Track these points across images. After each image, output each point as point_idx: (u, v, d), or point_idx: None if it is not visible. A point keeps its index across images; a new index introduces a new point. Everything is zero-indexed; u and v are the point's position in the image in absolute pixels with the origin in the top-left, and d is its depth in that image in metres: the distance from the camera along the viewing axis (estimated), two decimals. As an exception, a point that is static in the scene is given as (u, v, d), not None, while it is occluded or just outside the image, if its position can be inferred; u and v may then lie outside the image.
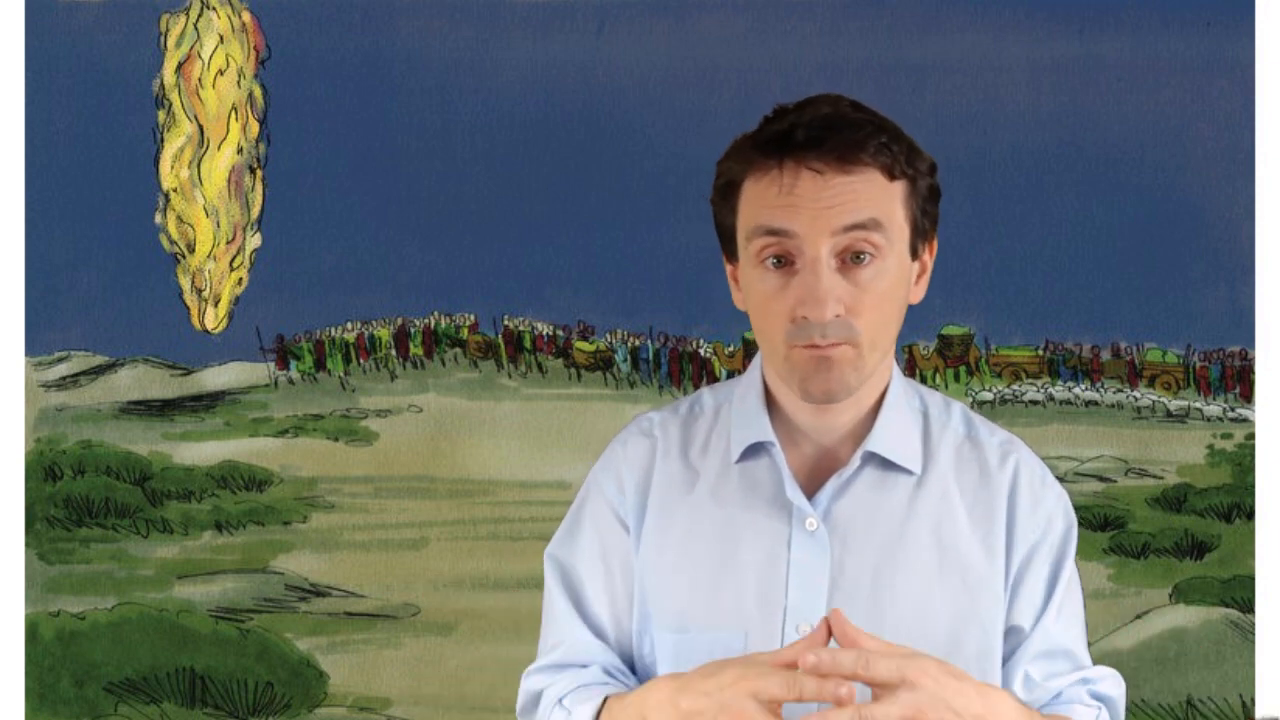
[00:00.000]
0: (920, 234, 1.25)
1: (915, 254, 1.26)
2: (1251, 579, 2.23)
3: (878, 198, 1.20)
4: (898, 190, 1.22)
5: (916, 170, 1.23)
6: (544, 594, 1.37)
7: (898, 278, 1.23)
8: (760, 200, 1.21)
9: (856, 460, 1.26)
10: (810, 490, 1.27)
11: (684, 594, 1.27)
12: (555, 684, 1.30)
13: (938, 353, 2.30)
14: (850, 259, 1.20)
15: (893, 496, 1.27)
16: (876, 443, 1.27)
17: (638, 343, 2.32)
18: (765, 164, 1.21)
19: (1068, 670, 1.28)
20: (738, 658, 1.14)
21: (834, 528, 1.25)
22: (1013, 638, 1.27)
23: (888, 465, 1.28)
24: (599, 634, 1.32)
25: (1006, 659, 1.27)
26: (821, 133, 1.19)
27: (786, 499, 1.26)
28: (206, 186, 2.32)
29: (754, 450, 1.29)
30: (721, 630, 1.24)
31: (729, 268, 1.32)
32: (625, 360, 2.33)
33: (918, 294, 1.29)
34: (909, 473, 1.28)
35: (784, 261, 1.21)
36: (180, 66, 2.32)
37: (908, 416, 1.30)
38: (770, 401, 1.31)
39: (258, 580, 2.32)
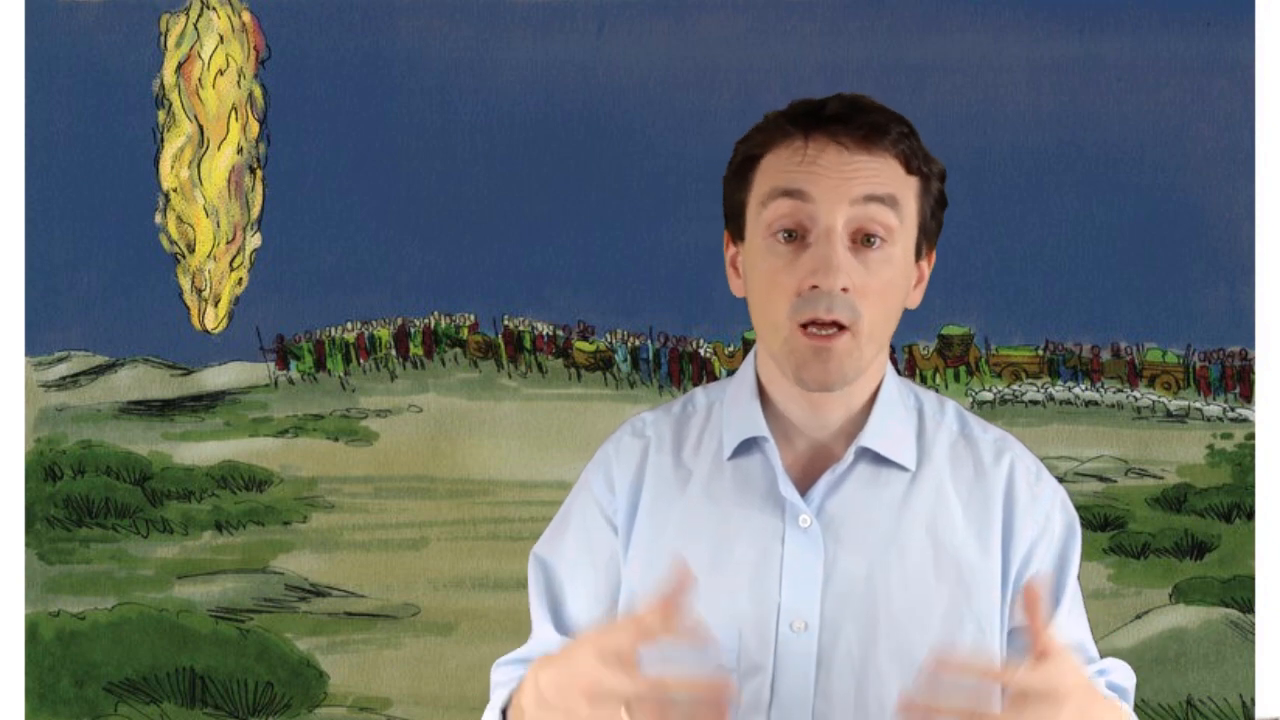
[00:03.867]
0: (926, 236, 1.27)
1: (918, 255, 1.27)
2: (1251, 579, 2.23)
3: (896, 182, 1.22)
4: (913, 184, 1.24)
5: (930, 170, 1.25)
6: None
7: (902, 271, 1.24)
8: (780, 167, 1.23)
9: (850, 456, 1.26)
10: (804, 487, 1.27)
11: None
12: (511, 679, 1.31)
13: (938, 353, 2.30)
14: (861, 240, 1.21)
15: (886, 492, 1.27)
16: (870, 438, 1.27)
17: (638, 343, 2.32)
18: (790, 135, 1.23)
19: (1081, 663, 1.27)
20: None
21: (828, 524, 1.25)
22: (1025, 636, 1.26)
23: (881, 461, 1.27)
24: (572, 634, 1.31)
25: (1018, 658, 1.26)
26: (850, 111, 1.22)
27: (780, 495, 1.26)
28: (206, 186, 2.32)
29: (747, 446, 1.29)
30: (714, 628, 1.22)
31: (729, 251, 1.32)
32: (625, 360, 2.33)
33: (915, 299, 1.30)
34: (903, 469, 1.28)
35: (795, 235, 1.21)
36: (180, 66, 2.32)
37: (902, 413, 1.30)
38: (763, 398, 1.31)
39: (258, 580, 2.32)
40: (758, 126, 1.28)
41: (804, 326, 1.20)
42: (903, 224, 1.22)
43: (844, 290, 1.19)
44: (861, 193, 1.20)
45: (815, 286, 1.19)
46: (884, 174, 1.21)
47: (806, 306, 1.20)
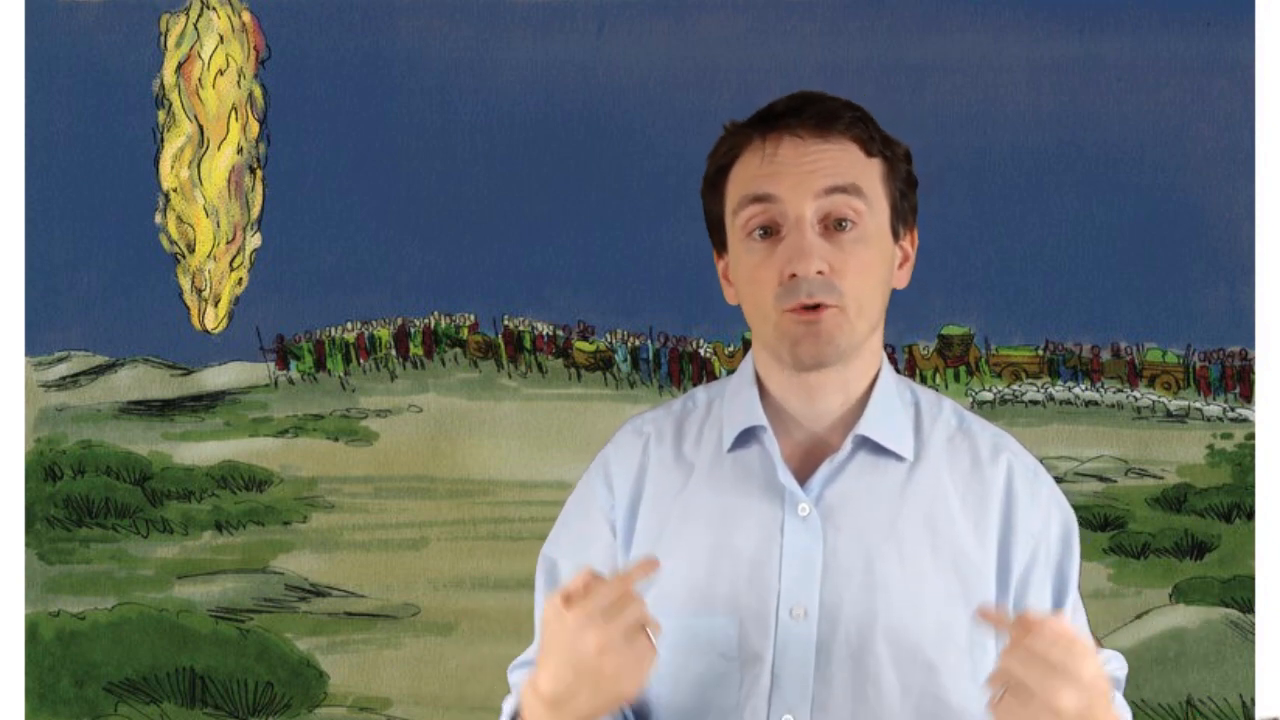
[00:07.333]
0: (900, 217, 1.30)
1: (896, 236, 1.30)
2: (1251, 579, 2.23)
3: (857, 167, 1.26)
4: (875, 166, 1.28)
5: (893, 152, 1.30)
6: None
7: (880, 251, 1.27)
8: (745, 173, 1.28)
9: (848, 445, 1.28)
10: (803, 476, 1.28)
11: (677, 580, 1.27)
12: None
13: (938, 353, 2.30)
14: (833, 225, 1.25)
15: (885, 482, 1.28)
16: (868, 427, 1.29)
17: (638, 343, 2.32)
18: (749, 140, 1.28)
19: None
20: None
21: (827, 513, 1.26)
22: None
23: (880, 451, 1.29)
24: None
25: None
26: (799, 104, 1.27)
27: (779, 485, 1.28)
28: (206, 186, 2.32)
29: (746, 438, 1.31)
30: (716, 616, 1.25)
31: (720, 264, 1.35)
32: (625, 360, 2.33)
33: (901, 279, 1.33)
34: (900, 458, 1.29)
35: (770, 231, 1.26)
36: (180, 66, 2.32)
37: (898, 405, 1.33)
38: (762, 391, 1.33)
39: (258, 580, 2.32)
40: (721, 138, 1.32)
41: (790, 311, 1.24)
42: (871, 208, 1.26)
43: (820, 273, 1.23)
44: (824, 185, 1.24)
45: (794, 275, 1.23)
46: (843, 160, 1.25)
47: (789, 295, 1.24)
